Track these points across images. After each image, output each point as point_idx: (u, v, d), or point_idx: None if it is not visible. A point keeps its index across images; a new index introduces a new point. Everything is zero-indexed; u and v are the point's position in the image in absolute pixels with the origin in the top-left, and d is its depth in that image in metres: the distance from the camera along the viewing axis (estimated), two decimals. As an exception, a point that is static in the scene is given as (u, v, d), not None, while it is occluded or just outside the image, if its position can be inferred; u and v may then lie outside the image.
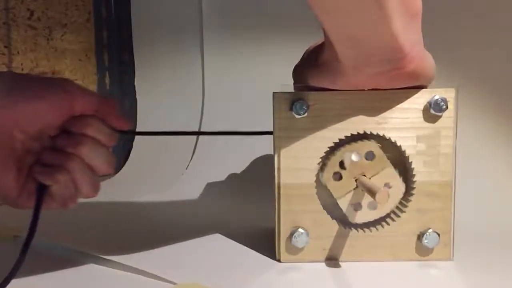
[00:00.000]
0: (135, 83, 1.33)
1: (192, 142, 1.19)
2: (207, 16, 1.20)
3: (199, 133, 1.17)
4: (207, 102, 1.20)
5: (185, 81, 1.25)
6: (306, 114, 0.59)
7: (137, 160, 1.27)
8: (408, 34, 0.51)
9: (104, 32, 1.33)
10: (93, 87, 1.30)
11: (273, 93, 0.60)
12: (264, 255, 0.64)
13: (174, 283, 0.55)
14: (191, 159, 1.17)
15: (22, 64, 1.11)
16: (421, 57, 0.54)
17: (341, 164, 0.60)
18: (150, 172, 1.21)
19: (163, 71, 1.29)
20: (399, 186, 0.59)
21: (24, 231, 0.73)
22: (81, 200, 0.98)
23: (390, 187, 0.59)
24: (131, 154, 1.29)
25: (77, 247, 0.66)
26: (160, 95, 1.29)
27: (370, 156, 0.60)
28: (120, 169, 1.27)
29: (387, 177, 0.59)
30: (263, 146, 0.76)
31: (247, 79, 1.13)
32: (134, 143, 1.30)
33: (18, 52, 1.10)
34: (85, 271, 0.60)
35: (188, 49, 1.24)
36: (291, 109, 0.59)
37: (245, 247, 0.67)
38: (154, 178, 1.17)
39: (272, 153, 0.61)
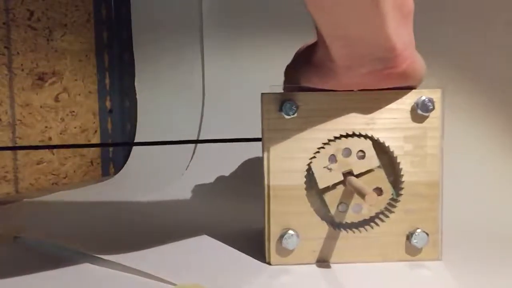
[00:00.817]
0: (135, 83, 1.34)
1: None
2: (207, 15, 1.20)
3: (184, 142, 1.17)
4: (207, 102, 1.20)
5: (185, 81, 1.25)
6: (295, 115, 0.58)
7: (137, 160, 1.27)
8: (401, 34, 0.51)
9: (104, 32, 1.34)
10: (93, 88, 1.31)
11: (262, 93, 0.59)
12: (254, 258, 0.64)
13: (174, 284, 0.55)
14: (191, 159, 1.17)
15: (22, 65, 1.12)
16: (413, 58, 0.54)
17: (330, 159, 0.60)
18: (150, 173, 1.21)
19: (163, 71, 1.29)
20: (387, 189, 0.60)
21: (24, 231, 0.74)
22: (81, 200, 0.99)
23: (380, 194, 0.60)
24: (131, 155, 1.29)
25: (77, 247, 0.65)
26: (160, 95, 1.30)
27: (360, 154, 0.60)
28: (120, 170, 1.27)
29: (377, 181, 0.60)
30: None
31: (248, 79, 1.13)
32: (134, 144, 1.31)
33: (18, 53, 1.11)
34: (84, 272, 0.60)
35: (188, 49, 1.25)
36: (280, 110, 0.59)
37: (237, 250, 0.67)
38: (153, 178, 1.17)
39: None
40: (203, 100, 1.21)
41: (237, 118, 1.10)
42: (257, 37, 1.14)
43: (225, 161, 1.08)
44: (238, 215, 0.85)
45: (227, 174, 1.06)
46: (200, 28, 1.21)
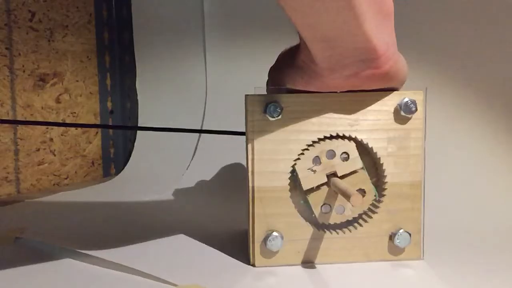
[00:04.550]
0: (136, 84, 1.34)
1: (193, 143, 1.19)
2: (209, 16, 1.20)
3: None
4: (209, 103, 1.20)
5: (186, 82, 1.25)
6: (279, 117, 0.59)
7: (138, 161, 1.28)
8: (382, 35, 0.51)
9: (105, 33, 1.35)
10: (94, 89, 1.31)
11: (246, 95, 0.60)
12: (238, 260, 0.64)
13: (175, 285, 0.55)
14: (191, 159, 1.17)
15: (23, 66, 1.12)
16: (395, 59, 0.54)
17: (314, 161, 0.60)
18: (151, 173, 1.21)
19: (164, 72, 1.29)
20: (370, 190, 0.61)
21: (26, 232, 0.74)
22: (82, 201, 0.99)
23: (363, 195, 0.60)
24: (132, 155, 1.30)
25: (78, 248, 0.66)
26: (161, 96, 1.30)
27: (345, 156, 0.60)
28: (122, 170, 1.27)
29: (360, 182, 0.60)
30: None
31: (251, 80, 1.13)
32: (135, 144, 1.31)
33: (19, 54, 1.11)
34: (85, 272, 0.61)
35: (189, 50, 1.25)
36: (264, 112, 0.59)
37: (222, 252, 0.67)
38: (154, 179, 1.17)
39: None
40: (205, 102, 1.21)
41: (239, 118, 1.10)
42: (260, 37, 1.14)
43: (226, 161, 1.08)
44: (239, 216, 0.86)
45: (228, 174, 1.06)
46: (202, 29, 1.21)
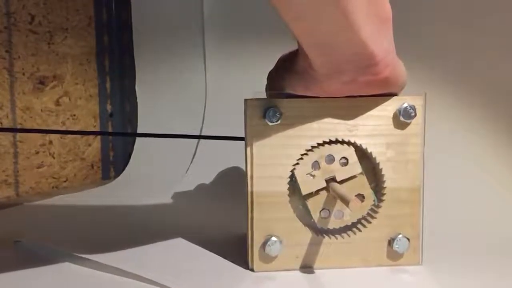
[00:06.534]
0: (136, 87, 1.34)
1: (192, 146, 1.19)
2: (208, 19, 1.20)
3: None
4: (208, 106, 1.20)
5: (186, 85, 1.25)
6: (279, 122, 0.58)
7: (137, 164, 1.28)
8: (379, 41, 0.50)
9: (105, 36, 1.34)
10: (94, 91, 1.31)
11: (245, 100, 0.59)
12: (237, 264, 0.64)
13: None
14: (191, 163, 1.17)
15: (23, 69, 1.12)
16: (394, 64, 0.54)
17: (314, 166, 0.60)
18: (150, 176, 1.21)
19: (163, 75, 1.29)
20: (369, 195, 0.61)
21: (25, 235, 0.74)
22: (81, 204, 0.99)
23: (362, 200, 0.60)
24: (131, 158, 1.30)
25: (77, 252, 0.65)
26: (161, 99, 1.30)
27: (344, 161, 0.60)
28: (121, 173, 1.27)
29: (359, 187, 0.60)
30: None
31: (250, 84, 1.13)
32: (135, 147, 1.31)
33: (19, 57, 1.11)
34: (84, 276, 0.61)
35: (189, 53, 1.25)
36: (264, 117, 0.58)
37: (220, 256, 0.67)
38: (154, 182, 1.17)
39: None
40: (205, 104, 1.21)
41: (238, 122, 1.10)
42: (260, 39, 1.14)
43: (225, 165, 1.08)
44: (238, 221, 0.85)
45: (227, 178, 1.06)
46: (202, 32, 1.21)
